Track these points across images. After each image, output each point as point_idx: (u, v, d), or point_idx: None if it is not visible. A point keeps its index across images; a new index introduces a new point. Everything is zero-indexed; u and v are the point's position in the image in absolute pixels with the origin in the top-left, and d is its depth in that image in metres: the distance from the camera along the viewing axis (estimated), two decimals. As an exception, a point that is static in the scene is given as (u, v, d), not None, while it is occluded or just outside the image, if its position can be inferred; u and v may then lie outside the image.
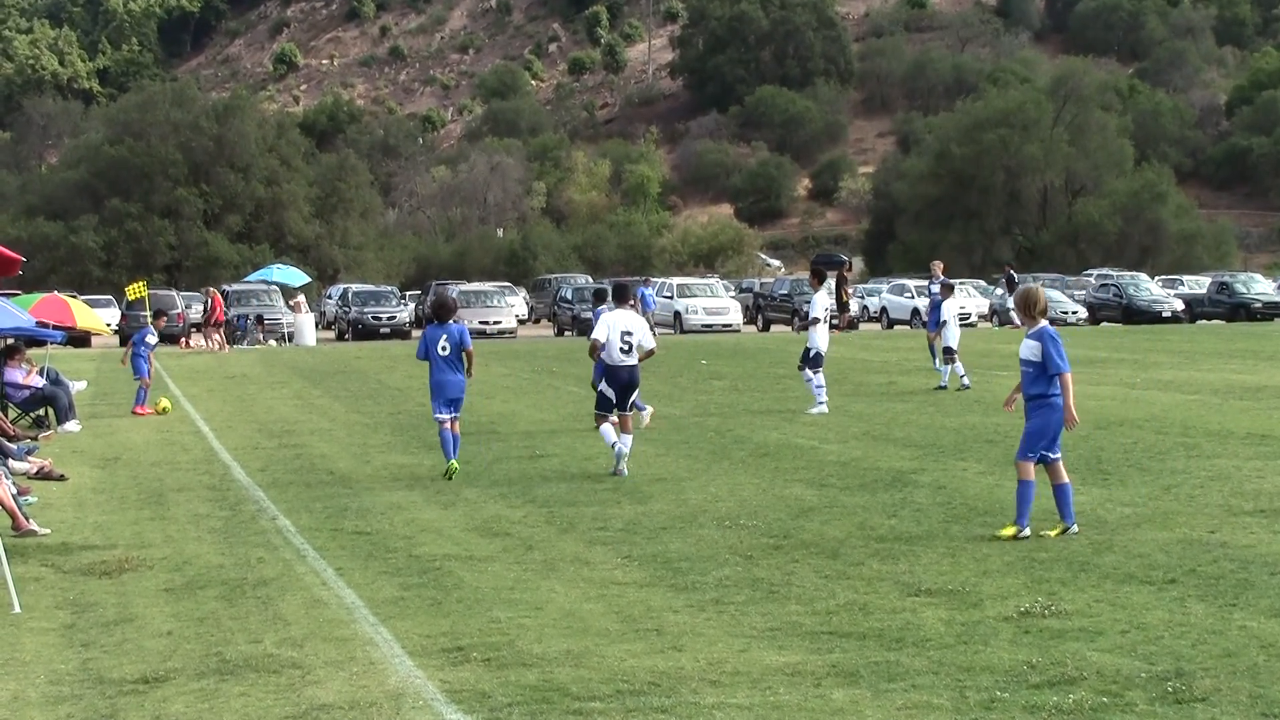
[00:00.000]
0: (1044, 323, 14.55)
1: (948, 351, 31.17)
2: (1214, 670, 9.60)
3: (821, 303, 27.30)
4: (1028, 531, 14.19)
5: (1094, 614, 11.05)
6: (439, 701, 9.38)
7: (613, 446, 19.35)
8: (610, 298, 21.37)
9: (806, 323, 27.59)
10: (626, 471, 19.23)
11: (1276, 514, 15.02)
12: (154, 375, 31.47)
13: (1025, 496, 14.23)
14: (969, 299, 68.85)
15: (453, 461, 19.58)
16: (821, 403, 26.61)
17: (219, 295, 57.54)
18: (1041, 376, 14.30)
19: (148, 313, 53.82)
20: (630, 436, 19.69)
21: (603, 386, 19.58)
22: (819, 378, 26.80)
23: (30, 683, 10.14)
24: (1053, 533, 14.19)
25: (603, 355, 19.62)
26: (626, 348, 19.44)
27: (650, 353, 19.90)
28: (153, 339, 31.53)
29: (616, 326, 19.49)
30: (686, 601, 11.98)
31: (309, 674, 10.10)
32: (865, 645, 10.46)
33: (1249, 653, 10.01)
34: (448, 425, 19.83)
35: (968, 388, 30.32)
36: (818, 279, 28.03)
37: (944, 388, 30.66)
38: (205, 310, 57.07)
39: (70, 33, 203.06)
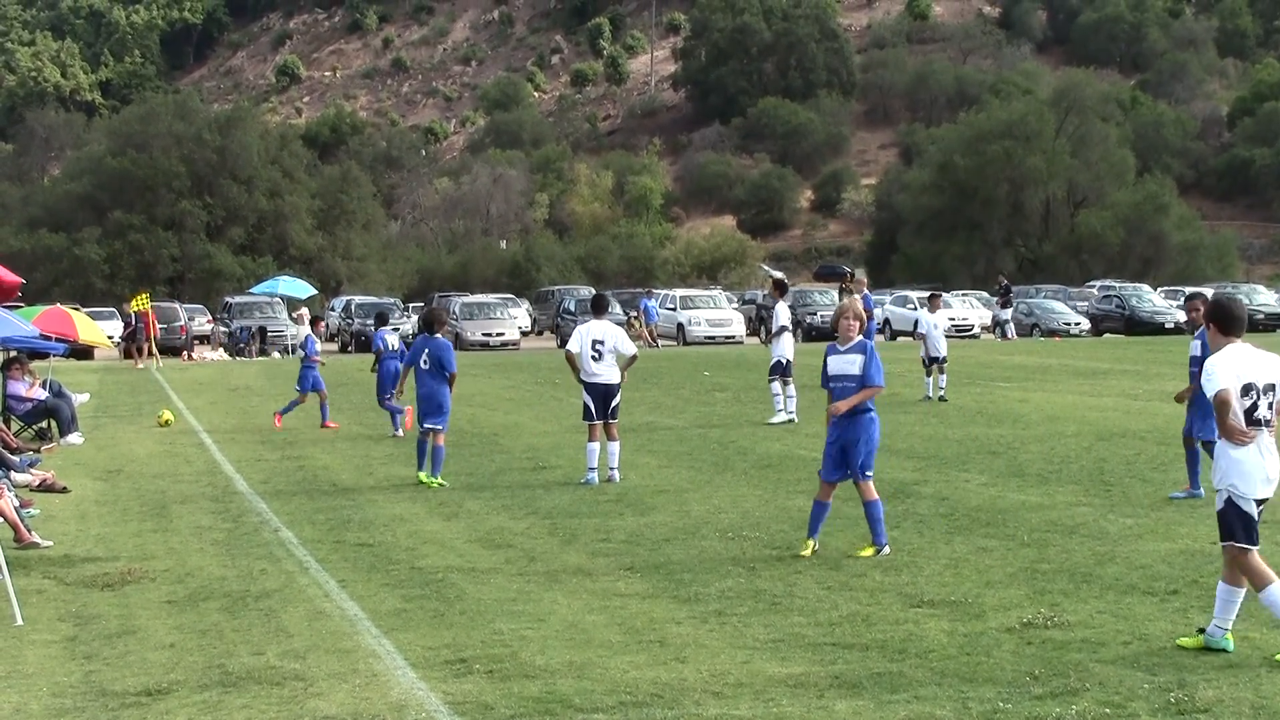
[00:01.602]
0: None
1: (936, 361, 31.26)
2: (1216, 681, 9.60)
3: (784, 313, 27.93)
4: (814, 548, 14.29)
5: (1096, 625, 11.05)
6: (442, 713, 9.39)
7: (589, 470, 19.72)
8: (590, 309, 21.58)
9: (774, 334, 28.11)
10: (597, 480, 19.49)
11: (1278, 525, 15.00)
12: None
13: (819, 515, 14.38)
14: (972, 310, 68.90)
15: (421, 474, 20.14)
16: (780, 410, 27.18)
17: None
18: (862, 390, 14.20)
19: (153, 323, 53.88)
20: (616, 443, 19.86)
21: (584, 397, 19.72)
22: (789, 388, 27.34)
23: (33, 695, 10.14)
24: (864, 552, 14.23)
25: (580, 367, 19.74)
26: (596, 355, 19.53)
27: (632, 359, 19.99)
28: (318, 345, 30.07)
29: (588, 336, 19.63)
30: (689, 613, 11.98)
31: (312, 686, 10.10)
32: (868, 656, 10.47)
33: (1252, 664, 10.02)
34: (427, 437, 20.31)
35: (941, 399, 30.51)
36: (779, 290, 28.95)
37: (929, 399, 30.79)
38: (126, 325, 54.87)
39: (73, 45, 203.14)
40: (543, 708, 9.42)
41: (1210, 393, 10.32)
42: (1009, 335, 62.41)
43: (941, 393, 30.98)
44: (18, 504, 16.65)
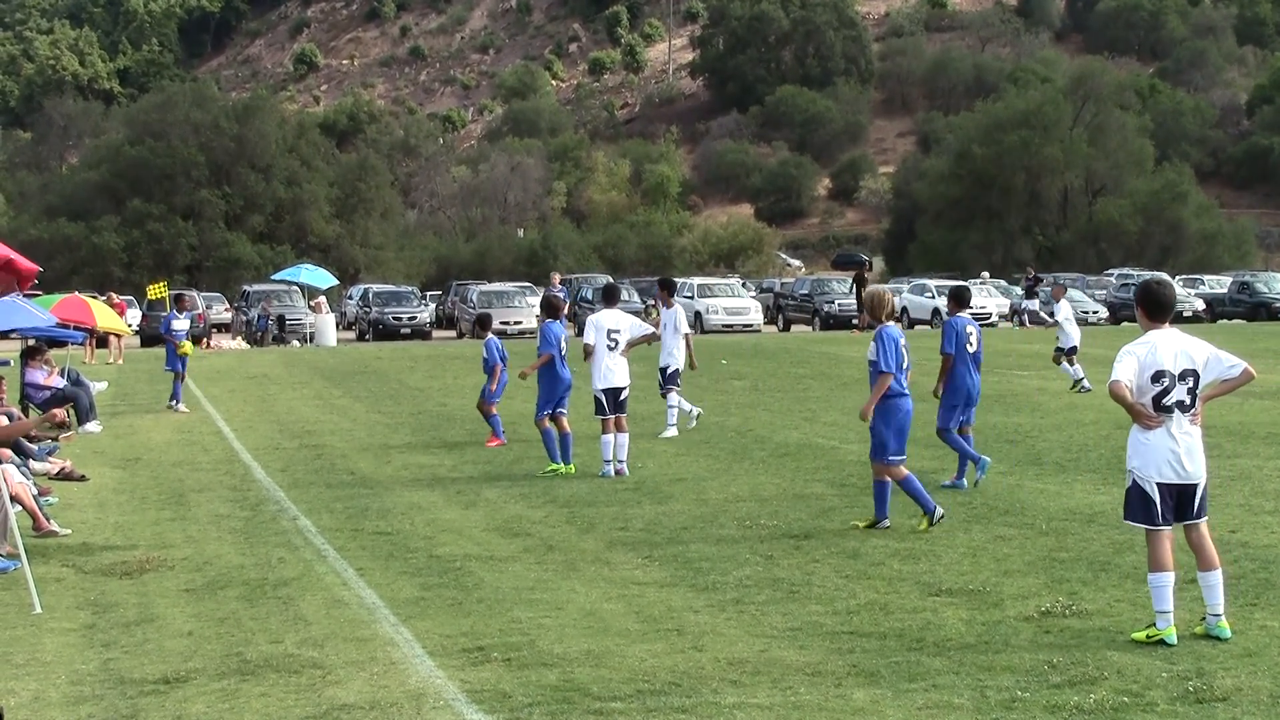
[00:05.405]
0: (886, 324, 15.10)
1: (1073, 351, 30.66)
2: (1235, 670, 9.59)
3: (683, 319, 24.69)
4: (888, 523, 14.89)
5: (1115, 614, 11.04)
6: (460, 701, 9.40)
7: (604, 463, 19.46)
8: (602, 299, 21.26)
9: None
10: (613, 473, 19.26)
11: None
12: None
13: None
14: (989, 298, 68.75)
15: (569, 465, 19.72)
16: (671, 424, 24.00)
17: (122, 303, 57.54)
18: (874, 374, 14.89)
19: (168, 313, 53.90)
20: (625, 434, 19.50)
21: (596, 393, 19.48)
22: (673, 398, 24.27)
23: (51, 683, 10.17)
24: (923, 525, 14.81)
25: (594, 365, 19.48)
26: (613, 344, 19.37)
27: (649, 336, 19.87)
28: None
29: (603, 327, 19.43)
30: (707, 601, 11.98)
31: (330, 674, 10.12)
32: (886, 645, 10.46)
33: (1270, 652, 10.00)
34: (550, 424, 19.87)
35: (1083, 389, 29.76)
36: (668, 292, 25.01)
37: (1084, 387, 29.81)
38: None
39: (91, 33, 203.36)
40: (560, 696, 9.43)
41: (1109, 381, 10.51)
42: (1028, 324, 62.29)
43: (1083, 380, 29.62)
44: (36, 492, 16.69)
